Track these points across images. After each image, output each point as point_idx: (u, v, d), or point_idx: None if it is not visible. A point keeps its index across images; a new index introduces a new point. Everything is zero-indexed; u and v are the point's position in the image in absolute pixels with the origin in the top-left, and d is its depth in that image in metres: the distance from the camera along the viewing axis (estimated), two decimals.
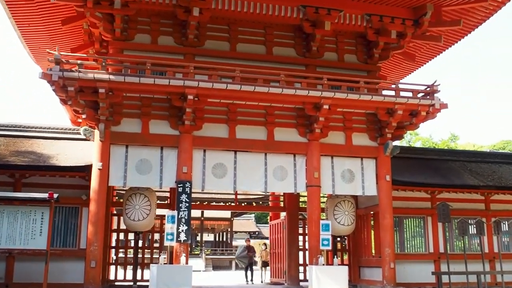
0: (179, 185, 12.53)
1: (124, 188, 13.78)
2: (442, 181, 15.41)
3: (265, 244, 21.30)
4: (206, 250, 38.22)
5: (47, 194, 11.42)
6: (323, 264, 12.87)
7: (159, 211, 14.12)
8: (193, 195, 12.82)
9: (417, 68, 17.22)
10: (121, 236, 15.47)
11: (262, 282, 19.45)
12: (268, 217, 21.03)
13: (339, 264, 13.70)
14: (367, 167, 14.18)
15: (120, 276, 15.31)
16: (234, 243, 41.37)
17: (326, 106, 12.94)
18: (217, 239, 45.15)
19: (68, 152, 13.85)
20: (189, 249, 14.05)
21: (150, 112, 12.94)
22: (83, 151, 13.76)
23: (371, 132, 14.30)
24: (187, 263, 12.16)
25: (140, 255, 14.85)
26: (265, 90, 12.58)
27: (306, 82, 13.23)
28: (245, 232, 47.11)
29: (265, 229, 42.53)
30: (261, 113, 13.61)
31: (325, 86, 13.15)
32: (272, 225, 18.02)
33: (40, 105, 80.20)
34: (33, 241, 11.52)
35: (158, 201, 14.27)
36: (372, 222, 15.48)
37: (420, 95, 13.69)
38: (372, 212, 15.23)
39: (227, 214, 38.31)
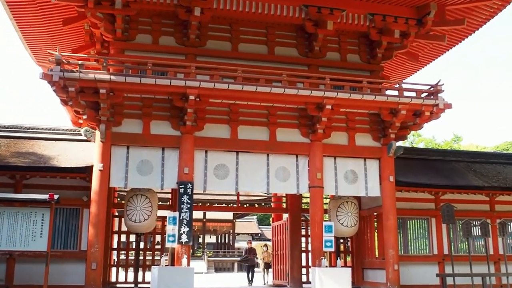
0: (180, 186, 12.43)
1: (125, 189, 13.72)
2: (446, 182, 15.27)
3: (266, 245, 21.21)
4: (208, 252, 38.15)
5: (48, 196, 11.39)
6: (326, 266, 12.77)
7: (161, 213, 14.02)
8: (195, 197, 12.73)
9: (421, 68, 17.10)
10: (122, 237, 15.41)
11: (264, 284, 19.34)
12: (271, 219, 20.93)
13: (342, 266, 13.62)
14: (370, 167, 14.06)
15: (121, 278, 15.24)
16: (236, 245, 41.37)
17: (328, 106, 12.86)
18: (219, 241, 45.11)
19: (69, 153, 13.79)
20: (190, 251, 13.98)
21: (151, 112, 12.86)
22: (84, 152, 13.69)
23: (374, 132, 14.18)
24: (188, 265, 12.05)
25: (141, 257, 14.76)
26: (267, 90, 12.49)
27: (309, 82, 13.13)
28: (247, 234, 47.10)
29: (268, 231, 42.50)
30: (263, 114, 13.52)
31: (327, 86, 13.04)
32: (275, 226, 17.92)
33: (41, 106, 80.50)
34: (34, 243, 11.49)
35: (160, 203, 14.19)
36: (375, 224, 15.40)
37: (423, 95, 13.60)
38: (375, 213, 15.15)
39: (229, 215, 38.29)
